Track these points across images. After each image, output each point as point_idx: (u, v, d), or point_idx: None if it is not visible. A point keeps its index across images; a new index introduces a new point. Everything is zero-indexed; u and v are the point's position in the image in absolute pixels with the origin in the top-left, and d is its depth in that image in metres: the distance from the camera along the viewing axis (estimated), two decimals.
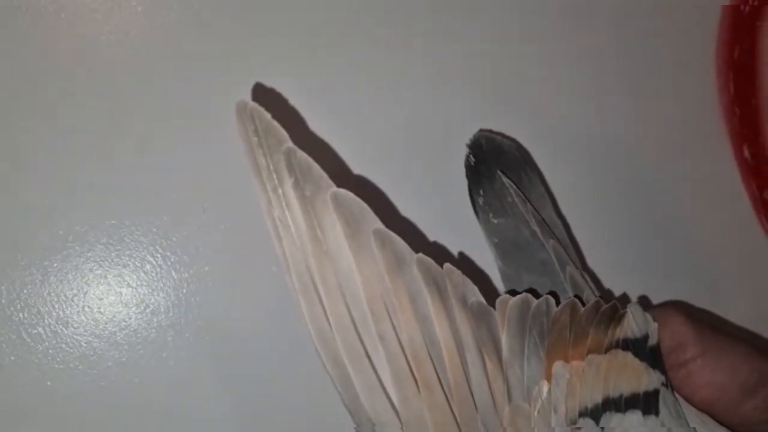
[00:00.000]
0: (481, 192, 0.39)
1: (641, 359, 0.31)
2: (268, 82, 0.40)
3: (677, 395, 0.33)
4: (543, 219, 0.37)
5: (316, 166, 0.26)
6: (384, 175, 0.41)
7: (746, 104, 0.49)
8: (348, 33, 0.42)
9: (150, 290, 0.40)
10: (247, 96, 0.39)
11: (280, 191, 0.26)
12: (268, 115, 0.26)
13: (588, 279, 0.36)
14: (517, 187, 0.37)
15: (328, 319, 0.26)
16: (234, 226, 0.40)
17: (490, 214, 0.38)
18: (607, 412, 0.30)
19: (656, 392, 0.31)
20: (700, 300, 0.47)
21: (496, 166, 0.38)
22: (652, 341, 0.32)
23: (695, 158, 0.49)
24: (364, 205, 0.26)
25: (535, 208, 0.37)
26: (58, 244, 0.38)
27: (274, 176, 0.26)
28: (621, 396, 0.30)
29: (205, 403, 0.40)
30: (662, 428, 0.30)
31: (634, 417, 0.30)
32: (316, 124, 0.41)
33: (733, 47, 0.49)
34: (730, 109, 0.49)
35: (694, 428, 0.31)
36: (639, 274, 0.46)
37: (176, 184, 0.40)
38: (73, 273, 0.39)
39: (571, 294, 0.35)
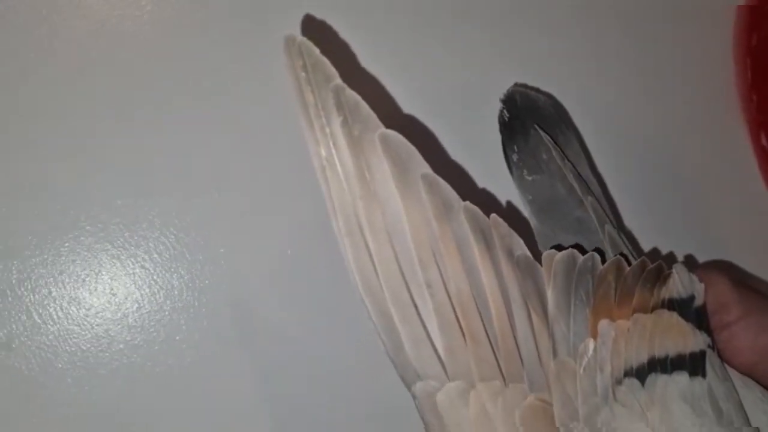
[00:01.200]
0: (516, 148, 0.37)
1: (687, 320, 0.31)
2: (319, 15, 0.39)
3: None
4: (580, 175, 0.36)
5: (365, 105, 0.25)
6: (435, 117, 0.41)
7: (763, 91, 0.48)
8: None
9: (164, 272, 0.39)
10: (296, 30, 0.38)
11: (327, 130, 0.25)
12: (317, 50, 0.25)
13: (625, 239, 0.35)
14: (554, 143, 0.37)
15: (374, 266, 0.25)
16: (249, 207, 0.40)
17: (525, 171, 0.37)
18: (653, 373, 0.29)
19: (702, 354, 0.30)
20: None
21: (530, 122, 0.37)
22: (698, 302, 0.32)
23: (712, 146, 0.48)
24: (413, 147, 0.26)
25: (572, 165, 0.36)
26: (69, 224, 0.38)
27: (322, 114, 0.25)
28: (667, 356, 0.29)
29: (220, 387, 0.39)
30: (709, 391, 0.30)
31: (681, 378, 0.29)
32: (368, 62, 0.40)
33: (750, 34, 0.48)
34: (747, 97, 0.48)
35: (738, 392, 0.31)
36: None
37: (191, 165, 0.39)
38: (86, 253, 0.38)
39: (610, 253, 0.34)
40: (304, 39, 0.25)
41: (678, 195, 0.48)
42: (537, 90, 0.41)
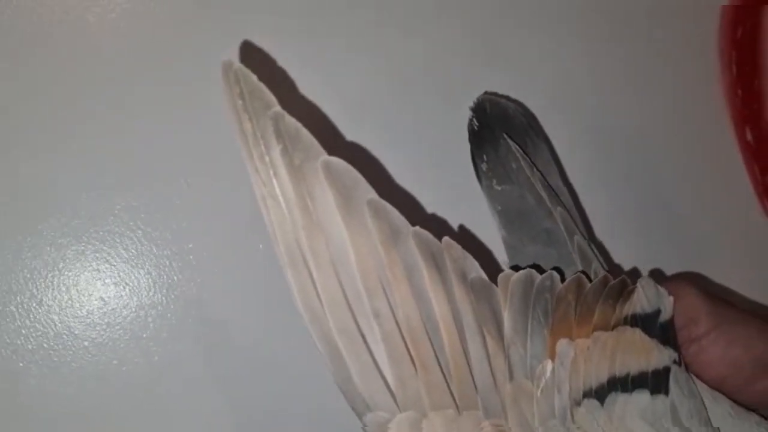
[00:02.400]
0: (485, 158, 0.37)
1: (651, 335, 0.30)
2: (257, 42, 0.38)
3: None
4: (550, 185, 0.36)
5: (305, 132, 0.24)
6: (379, 142, 0.40)
7: (749, 86, 0.47)
8: None
9: (130, 267, 0.38)
10: (234, 57, 0.37)
11: (267, 159, 0.24)
12: (255, 77, 0.24)
13: (596, 250, 0.35)
14: (524, 153, 0.36)
15: (319, 296, 0.24)
16: (218, 202, 0.38)
17: (494, 181, 0.37)
18: (613, 393, 0.28)
19: (666, 370, 0.30)
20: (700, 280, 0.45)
21: (500, 130, 0.37)
22: (665, 316, 0.31)
23: (697, 140, 0.47)
24: (357, 173, 0.25)
25: (542, 174, 0.36)
26: (32, 218, 0.36)
27: (261, 143, 0.24)
28: (628, 375, 0.29)
29: (187, 385, 0.38)
30: (671, 408, 0.29)
31: (642, 397, 0.28)
32: (307, 87, 0.39)
33: (735, 28, 0.47)
34: (732, 91, 0.48)
35: (707, 407, 0.30)
36: (639, 252, 0.45)
37: (159, 158, 0.38)
38: (48, 248, 0.37)
39: (579, 265, 0.33)
40: (241, 65, 0.24)
41: (661, 192, 0.47)
42: (507, 98, 0.40)
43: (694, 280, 0.32)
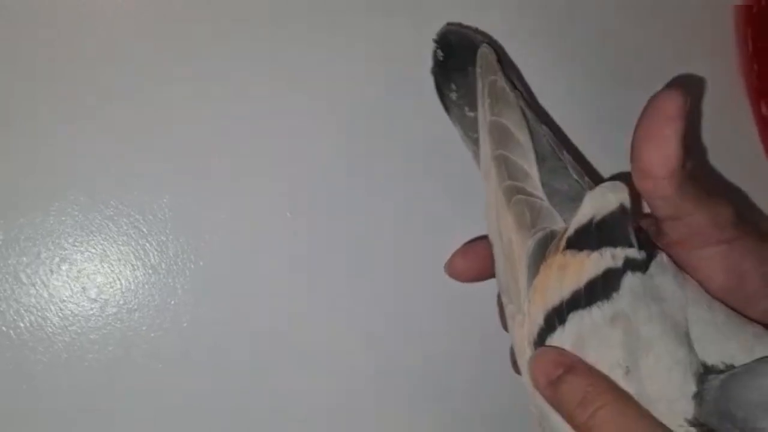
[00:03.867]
0: (453, 87, 0.36)
1: (583, 247, 0.30)
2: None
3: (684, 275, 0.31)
4: (528, 104, 0.35)
5: None
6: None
7: (765, 60, 0.48)
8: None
9: (158, 234, 0.37)
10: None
11: None
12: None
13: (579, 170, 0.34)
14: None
15: None
16: (245, 176, 0.38)
17: (465, 108, 0.36)
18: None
19: (609, 272, 0.29)
20: None
21: (468, 58, 0.35)
22: (601, 214, 0.30)
23: (714, 114, 0.48)
24: None
25: (522, 93, 0.35)
26: (60, 185, 0.36)
27: None
28: (562, 303, 0.30)
29: (216, 351, 0.38)
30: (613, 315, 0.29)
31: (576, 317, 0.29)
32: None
33: (750, 6, 0.48)
34: (748, 65, 0.48)
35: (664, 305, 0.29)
36: None
37: (186, 129, 0.38)
38: (77, 214, 0.36)
39: (574, 175, 0.33)
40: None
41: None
42: (472, 28, 0.39)
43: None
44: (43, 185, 0.36)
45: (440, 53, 0.37)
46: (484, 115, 0.34)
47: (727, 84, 0.48)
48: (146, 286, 0.37)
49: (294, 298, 0.39)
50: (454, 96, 0.36)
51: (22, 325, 0.36)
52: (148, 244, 0.37)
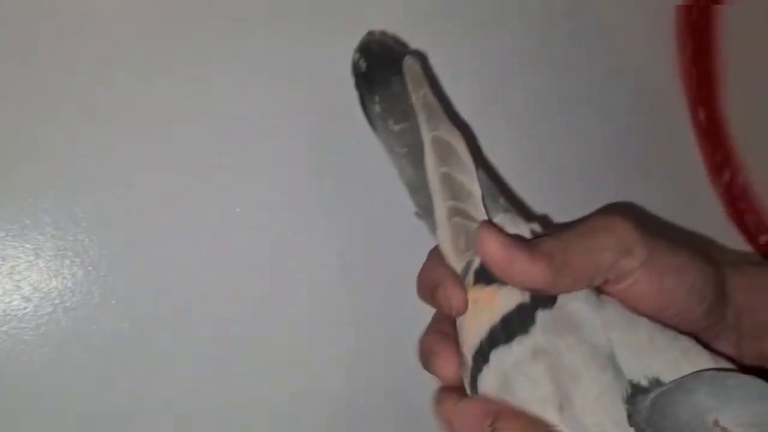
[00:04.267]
0: (377, 99, 0.35)
1: (491, 281, 0.30)
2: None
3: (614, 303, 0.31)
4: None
5: None
6: None
7: (704, 67, 0.50)
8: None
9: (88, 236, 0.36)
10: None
11: None
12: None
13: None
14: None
15: None
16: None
17: (390, 121, 0.34)
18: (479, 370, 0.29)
19: (522, 307, 0.29)
20: None
21: (392, 69, 0.35)
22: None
23: (653, 120, 0.49)
24: None
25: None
26: None
27: None
28: (481, 342, 0.29)
29: (151, 352, 0.36)
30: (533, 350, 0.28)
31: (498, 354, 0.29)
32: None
33: (691, 8, 0.49)
34: (687, 72, 0.50)
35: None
36: None
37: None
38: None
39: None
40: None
41: (613, 168, 0.48)
42: (395, 39, 0.39)
43: (626, 212, 0.32)
44: None
45: (363, 64, 0.36)
46: (421, 130, 0.33)
47: (668, 91, 0.49)
48: (85, 284, 0.35)
49: (240, 295, 0.38)
50: (378, 108, 0.35)
51: None
52: (87, 239, 0.35)
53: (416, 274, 0.34)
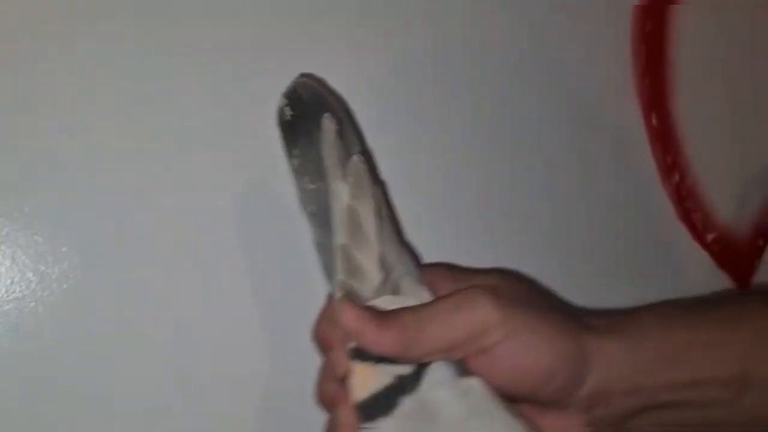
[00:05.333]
0: (297, 152, 0.34)
1: (366, 358, 0.31)
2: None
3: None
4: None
5: None
6: None
7: (657, 73, 0.52)
8: None
9: None
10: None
11: None
12: None
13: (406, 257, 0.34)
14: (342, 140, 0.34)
15: None
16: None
17: (306, 178, 0.34)
18: None
19: (389, 389, 0.30)
20: (596, 256, 0.50)
21: (316, 121, 0.33)
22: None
23: (608, 123, 0.52)
24: None
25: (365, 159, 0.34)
26: None
27: None
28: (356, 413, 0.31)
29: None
30: None
31: None
32: None
33: (645, 22, 0.52)
34: (641, 79, 0.52)
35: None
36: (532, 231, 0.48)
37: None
38: None
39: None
40: None
41: (565, 175, 0.50)
42: (324, 84, 0.38)
43: (489, 287, 0.32)
44: None
45: (288, 112, 0.34)
46: (331, 194, 0.33)
47: (623, 96, 0.52)
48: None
49: (188, 302, 0.39)
50: (296, 163, 0.34)
51: None
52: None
53: None
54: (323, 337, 0.34)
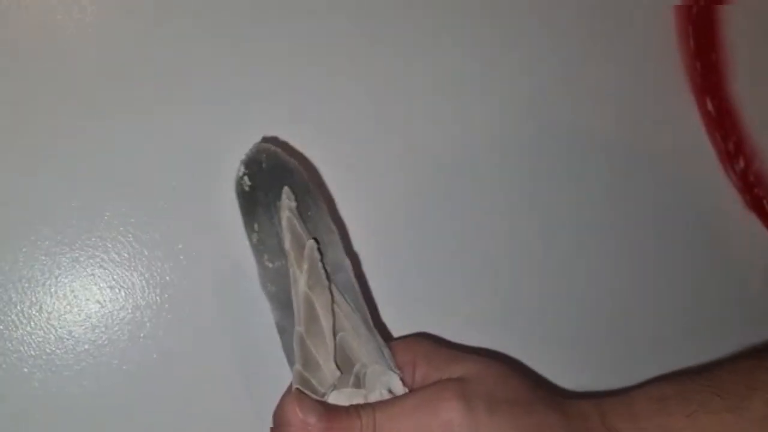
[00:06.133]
0: (256, 227, 0.32)
1: None
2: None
3: None
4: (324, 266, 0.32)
5: None
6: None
7: (707, 57, 0.49)
8: None
9: (123, 270, 0.39)
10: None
11: None
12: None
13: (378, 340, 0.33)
14: (302, 219, 0.32)
15: None
16: (204, 203, 0.40)
17: (265, 256, 0.32)
18: None
19: None
20: (664, 252, 0.48)
21: (275, 191, 0.31)
22: None
23: (659, 113, 0.49)
24: None
25: (319, 249, 0.31)
26: (25, 229, 0.38)
27: None
28: None
29: (186, 382, 0.39)
30: None
31: None
32: None
33: (691, 5, 0.49)
34: (691, 65, 0.50)
35: None
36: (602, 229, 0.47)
37: (143, 164, 0.39)
38: (43, 257, 0.38)
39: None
40: None
41: (624, 164, 0.48)
42: (286, 146, 0.37)
43: (458, 389, 0.30)
44: (9, 232, 0.38)
45: (247, 182, 0.32)
46: (290, 279, 0.31)
47: (672, 82, 0.49)
48: (115, 322, 0.39)
49: (261, 326, 0.40)
50: (255, 238, 0.32)
51: (0, 368, 0.37)
52: (114, 282, 0.39)
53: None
54: (282, 421, 0.31)
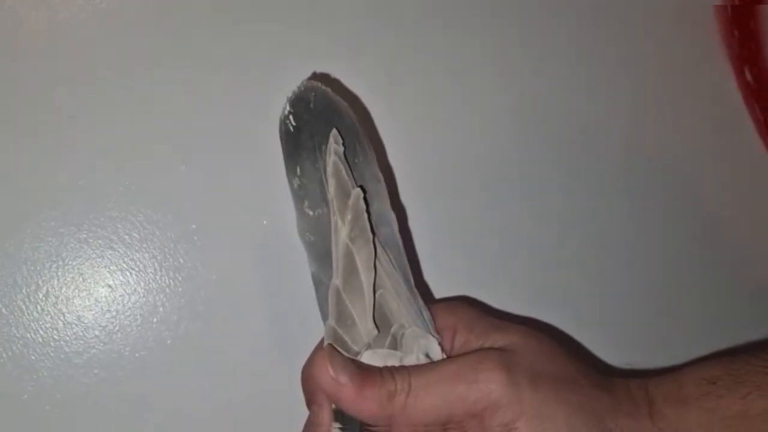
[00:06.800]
0: (299, 171, 0.30)
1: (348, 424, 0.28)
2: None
3: None
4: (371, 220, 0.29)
5: None
6: None
7: (745, 26, 0.47)
8: None
9: (134, 252, 0.37)
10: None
11: None
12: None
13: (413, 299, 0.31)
14: (349, 165, 0.29)
15: None
16: (217, 182, 0.38)
17: (306, 203, 0.30)
18: None
19: None
20: (701, 221, 0.46)
21: (322, 134, 0.29)
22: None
23: (695, 81, 0.47)
24: None
25: (365, 199, 0.29)
26: (29, 209, 0.36)
27: None
28: None
29: (201, 367, 0.37)
30: None
31: None
32: None
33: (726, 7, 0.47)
34: (728, 32, 0.47)
35: None
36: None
37: (155, 139, 0.37)
38: (50, 239, 0.36)
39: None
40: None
41: (660, 133, 0.46)
42: (340, 86, 0.34)
43: (504, 360, 0.28)
44: (13, 212, 0.35)
45: (292, 122, 0.29)
46: (332, 229, 0.29)
47: (709, 51, 0.47)
48: (126, 307, 0.37)
49: (277, 310, 0.39)
50: (296, 184, 0.30)
51: (5, 356, 0.35)
52: (124, 264, 0.37)
53: None
54: (308, 388, 0.30)
